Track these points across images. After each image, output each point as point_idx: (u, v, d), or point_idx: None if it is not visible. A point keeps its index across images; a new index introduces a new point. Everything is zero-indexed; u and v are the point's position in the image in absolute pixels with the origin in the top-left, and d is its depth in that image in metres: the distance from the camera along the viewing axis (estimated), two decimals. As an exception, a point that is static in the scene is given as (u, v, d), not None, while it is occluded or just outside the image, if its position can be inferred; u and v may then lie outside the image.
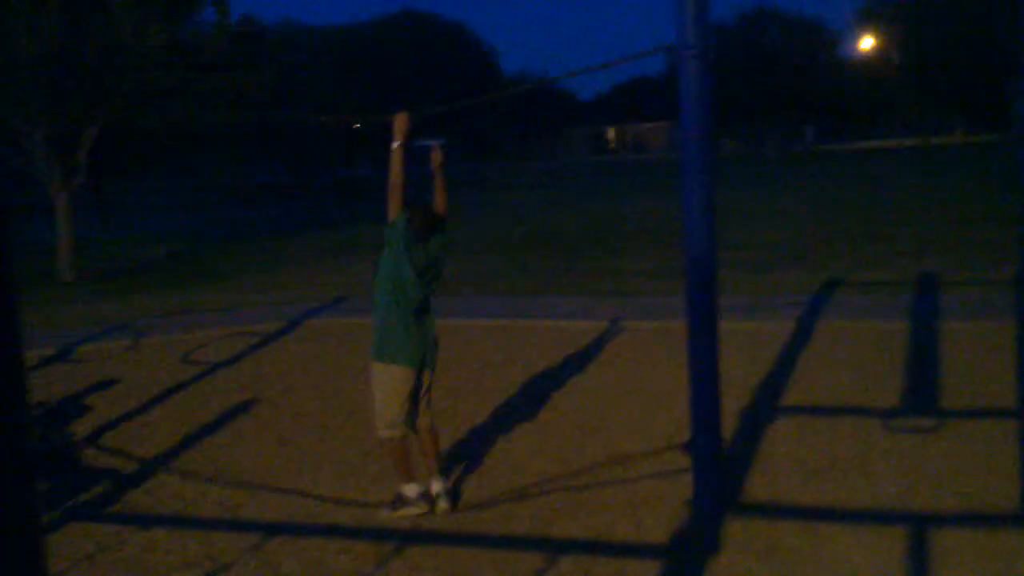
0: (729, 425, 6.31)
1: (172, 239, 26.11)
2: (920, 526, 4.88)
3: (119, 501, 6.00)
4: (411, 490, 5.40)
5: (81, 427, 7.63)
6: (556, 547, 4.88)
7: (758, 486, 5.58)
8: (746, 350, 8.63)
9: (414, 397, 5.37)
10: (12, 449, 1.21)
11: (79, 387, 8.88)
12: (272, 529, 5.36)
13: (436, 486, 5.45)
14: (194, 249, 23.33)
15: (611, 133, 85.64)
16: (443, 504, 5.41)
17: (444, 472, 5.61)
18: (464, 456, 6.43)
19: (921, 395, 7.20)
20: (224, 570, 4.86)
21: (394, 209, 5.28)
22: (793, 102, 58.84)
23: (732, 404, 6.76)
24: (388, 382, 5.32)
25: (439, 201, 5.51)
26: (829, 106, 64.35)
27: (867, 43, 57.97)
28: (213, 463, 6.62)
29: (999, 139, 45.65)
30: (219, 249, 23.07)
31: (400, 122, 5.35)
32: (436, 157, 5.51)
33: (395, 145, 5.31)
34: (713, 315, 5.14)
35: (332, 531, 5.30)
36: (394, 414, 5.31)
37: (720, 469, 5.29)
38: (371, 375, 5.42)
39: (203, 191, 49.63)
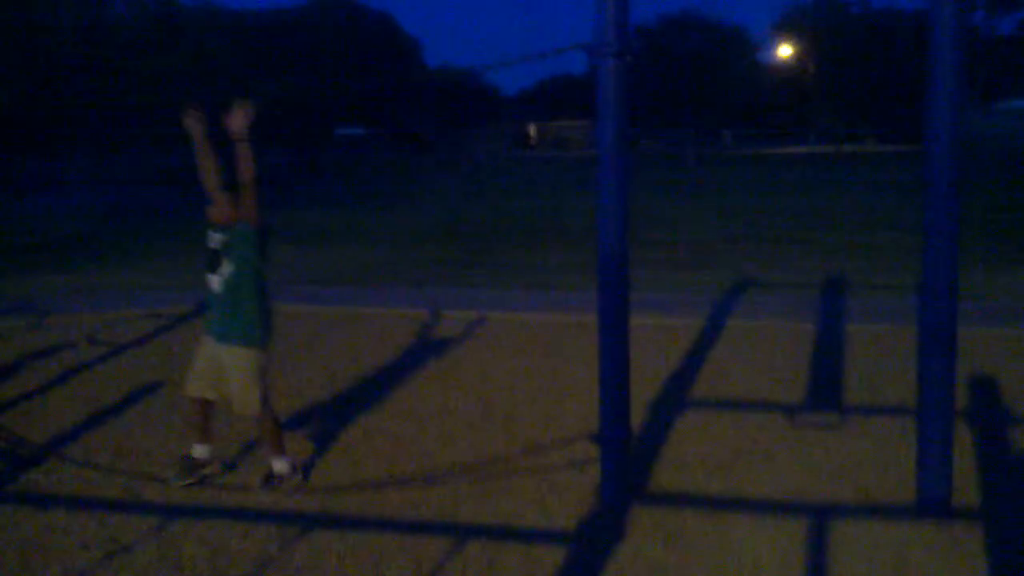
0: (638, 417, 6.41)
1: (84, 218, 25.48)
2: (820, 517, 5.02)
3: (16, 482, 5.84)
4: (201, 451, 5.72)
5: (-22, 406, 7.41)
6: (464, 532, 4.90)
7: (665, 476, 5.67)
8: (657, 345, 8.76)
9: None
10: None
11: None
12: (174, 512, 5.28)
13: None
14: (106, 229, 22.80)
15: (533, 130, 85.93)
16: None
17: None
18: (372, 442, 6.41)
19: (825, 392, 7.38)
20: (125, 551, 4.77)
21: (251, 204, 5.41)
22: (712, 105, 59.70)
23: (641, 397, 6.87)
24: (261, 365, 5.53)
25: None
26: (747, 111, 65.50)
27: (785, 51, 59.13)
28: (117, 445, 6.48)
29: (912, 150, 47.04)
30: (132, 230, 22.59)
31: (240, 118, 5.18)
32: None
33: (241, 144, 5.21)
34: (624, 309, 5.20)
35: (235, 515, 5.24)
36: (263, 392, 5.52)
37: (627, 458, 5.36)
38: (234, 361, 5.46)
39: (122, 171, 48.48)
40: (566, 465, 5.85)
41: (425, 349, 9.07)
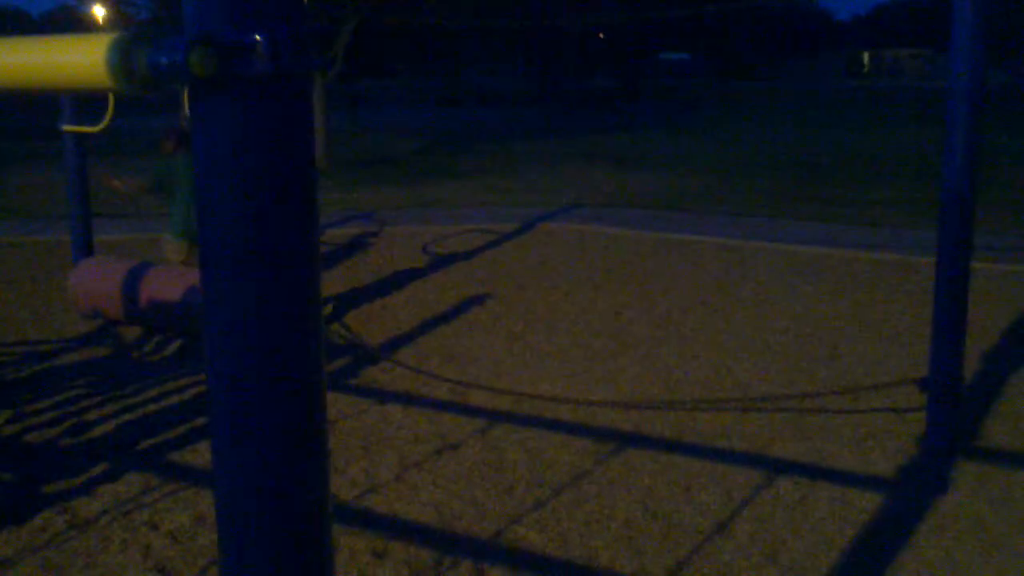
0: (970, 366, 6.03)
1: (417, 136, 27.00)
2: None
3: (357, 377, 6.40)
4: None
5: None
6: (775, 466, 4.87)
7: (996, 431, 5.33)
8: (996, 292, 8.18)
9: None
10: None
11: (324, 269, 9.45)
12: (498, 417, 5.60)
13: None
14: (438, 146, 24.08)
15: (866, 58, 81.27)
16: None
17: None
18: (688, 366, 6.47)
19: None
20: (452, 449, 5.14)
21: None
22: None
23: (975, 346, 6.45)
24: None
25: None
26: None
27: None
28: (446, 350, 6.94)
29: None
30: (462, 148, 23.71)
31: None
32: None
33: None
34: (966, 251, 4.90)
35: (553, 426, 5.48)
36: None
37: (956, 409, 5.09)
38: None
39: (445, 92, 50.79)
40: (887, 409, 5.64)
41: (743, 280, 8.97)
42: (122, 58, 1.22)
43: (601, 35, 48.17)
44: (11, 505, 4.52)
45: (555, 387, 6.14)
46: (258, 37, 1.22)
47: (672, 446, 5.19)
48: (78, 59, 1.28)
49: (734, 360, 6.66)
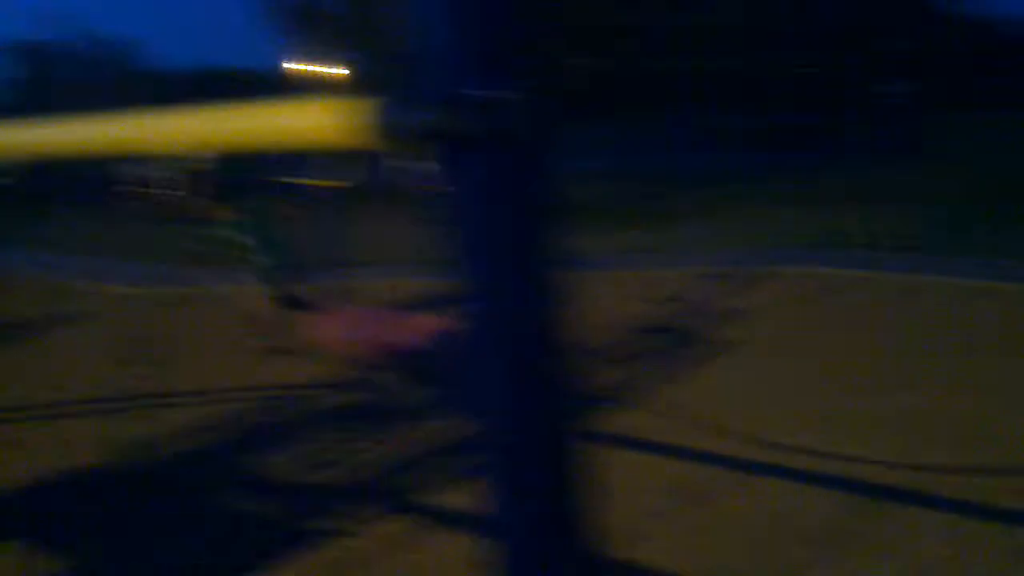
0: None
1: (629, 178, 27.01)
2: None
3: (608, 421, 6.34)
4: None
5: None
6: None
7: None
8: None
9: None
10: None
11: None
12: (753, 467, 5.44)
13: None
14: (651, 188, 24.00)
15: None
16: None
17: None
18: (942, 416, 6.11)
19: None
20: (705, 499, 5.03)
21: None
22: None
23: None
24: None
25: None
26: None
27: None
28: (693, 395, 6.81)
29: None
30: (677, 188, 23.55)
31: None
32: None
33: None
34: None
35: (813, 478, 5.28)
36: None
37: None
38: None
39: (654, 133, 50.66)
40: None
41: (985, 322, 8.44)
42: (375, 118, 1.29)
43: (818, 69, 46.91)
44: (285, 541, 4.76)
45: (812, 438, 5.93)
46: (509, 94, 1.25)
47: (956, 506, 4.88)
48: (329, 121, 1.37)
49: (997, 409, 6.24)
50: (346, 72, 20.04)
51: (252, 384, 7.66)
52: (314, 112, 1.40)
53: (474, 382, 1.39)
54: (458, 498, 5.18)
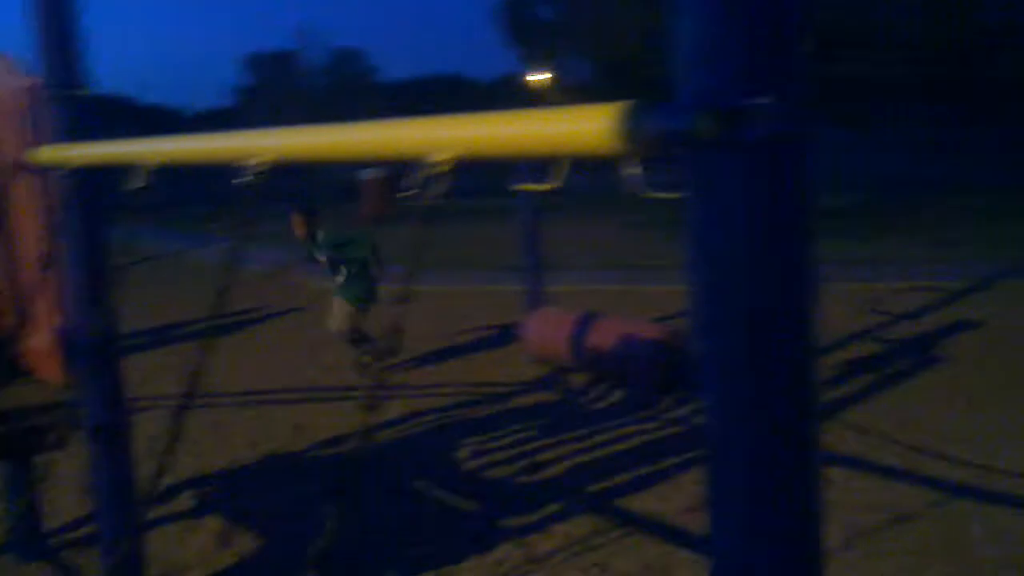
0: None
1: (854, 187, 25.98)
2: None
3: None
4: None
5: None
6: None
7: None
8: None
9: None
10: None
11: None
12: (956, 489, 5.19)
13: None
14: (877, 197, 23.04)
15: None
16: None
17: None
18: None
19: None
20: (906, 520, 4.83)
21: None
22: None
23: None
24: None
25: None
26: None
27: None
28: (896, 413, 6.55)
29: None
30: (902, 199, 22.53)
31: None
32: None
33: None
34: None
35: (1020, 503, 4.98)
36: None
37: None
38: None
39: (874, 141, 48.52)
40: None
41: None
42: (629, 125, 1.28)
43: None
44: (475, 535, 4.89)
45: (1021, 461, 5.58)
46: (762, 101, 1.23)
47: None
48: (583, 127, 1.36)
49: None
50: (577, 80, 20.22)
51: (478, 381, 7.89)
52: (573, 119, 1.39)
53: (712, 394, 1.39)
54: (650, 503, 5.17)
